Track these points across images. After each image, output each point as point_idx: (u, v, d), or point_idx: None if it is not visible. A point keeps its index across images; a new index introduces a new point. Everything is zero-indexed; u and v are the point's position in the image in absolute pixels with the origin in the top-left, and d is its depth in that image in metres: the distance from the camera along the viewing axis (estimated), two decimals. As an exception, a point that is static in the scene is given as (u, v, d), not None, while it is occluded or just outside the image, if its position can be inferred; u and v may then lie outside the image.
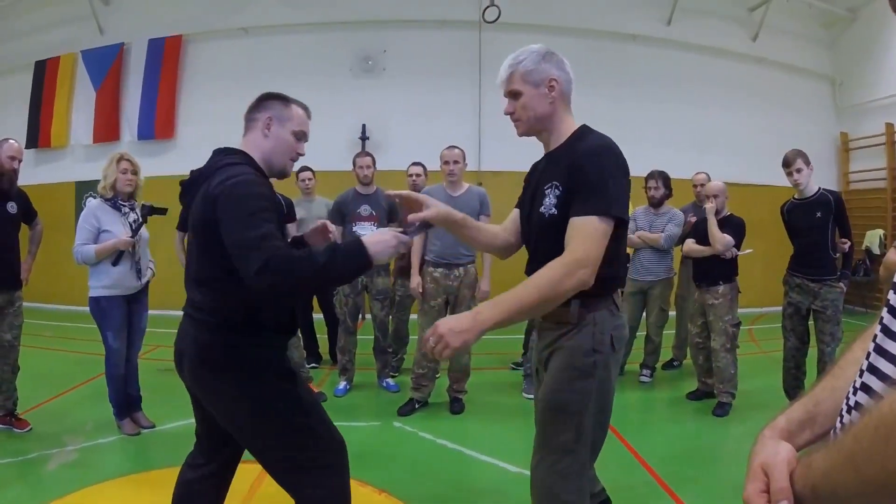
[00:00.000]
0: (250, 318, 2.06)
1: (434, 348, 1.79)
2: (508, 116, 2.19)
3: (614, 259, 2.06)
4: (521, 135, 2.21)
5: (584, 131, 2.14)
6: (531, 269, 2.06)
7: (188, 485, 2.29)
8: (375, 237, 2.00)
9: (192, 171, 2.18)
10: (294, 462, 2.10)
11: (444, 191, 4.70)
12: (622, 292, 5.28)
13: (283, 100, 2.25)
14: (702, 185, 5.91)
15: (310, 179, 6.02)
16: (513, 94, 2.14)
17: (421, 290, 4.72)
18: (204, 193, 2.03)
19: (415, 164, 5.69)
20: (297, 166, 6.14)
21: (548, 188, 2.08)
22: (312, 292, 1.99)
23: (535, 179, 2.22)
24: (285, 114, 2.22)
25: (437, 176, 4.99)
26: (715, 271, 4.88)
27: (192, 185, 2.14)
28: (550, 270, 1.86)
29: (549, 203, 2.06)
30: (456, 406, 4.84)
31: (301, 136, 2.25)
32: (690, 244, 5.07)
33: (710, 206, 4.87)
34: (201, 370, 2.07)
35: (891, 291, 0.82)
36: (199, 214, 2.02)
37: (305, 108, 2.29)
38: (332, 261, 1.89)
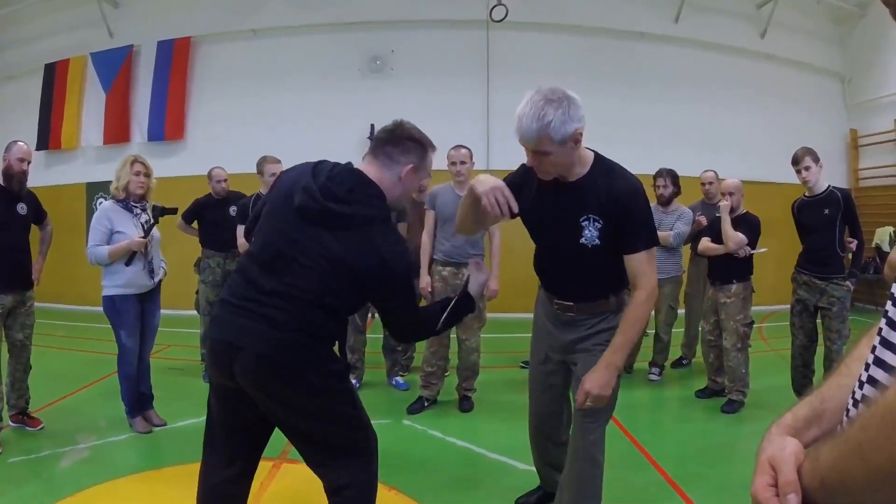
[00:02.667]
0: (335, 331, 2.20)
1: (591, 405, 2.39)
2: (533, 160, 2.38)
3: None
4: (546, 179, 2.39)
5: (605, 165, 2.42)
6: (568, 283, 2.59)
7: (218, 487, 2.26)
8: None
9: (325, 193, 2.09)
10: (344, 451, 2.21)
11: (452, 190, 4.71)
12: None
13: (423, 146, 2.24)
14: (710, 183, 5.89)
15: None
16: (542, 152, 2.25)
17: (430, 290, 4.73)
18: (355, 241, 2.07)
19: None
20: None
21: (584, 221, 2.37)
22: None
23: (556, 209, 2.45)
24: (423, 163, 2.25)
25: (443, 175, 4.98)
26: (729, 270, 4.82)
27: (328, 215, 2.09)
28: (641, 303, 2.39)
29: (591, 235, 2.37)
30: (465, 404, 4.85)
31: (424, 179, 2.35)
32: (706, 242, 5.01)
33: (724, 204, 4.81)
34: (268, 365, 2.05)
35: (895, 284, 0.82)
36: (341, 253, 2.05)
37: (435, 151, 2.31)
38: (445, 320, 2.42)
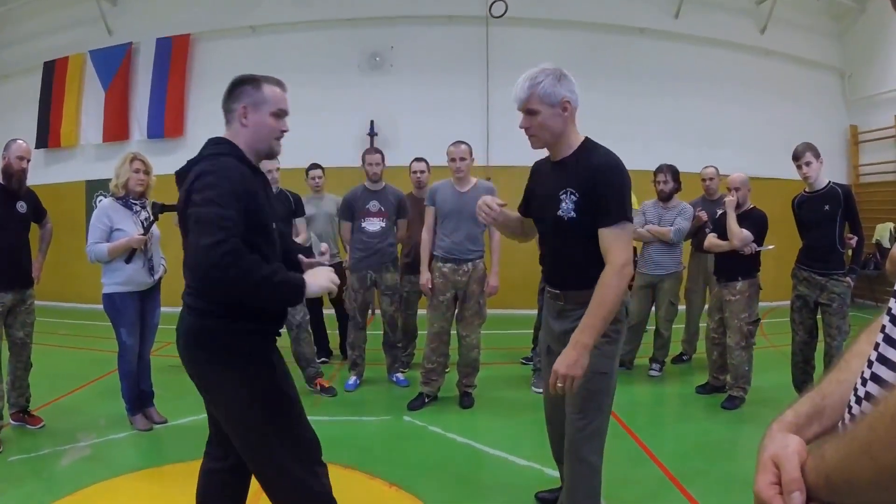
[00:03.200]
0: (234, 305, 2.05)
1: (562, 387, 2.28)
2: (523, 129, 2.46)
3: None
4: (535, 148, 2.50)
5: (590, 144, 2.46)
6: (555, 264, 2.61)
7: (212, 475, 2.31)
8: (316, 275, 2.10)
9: (187, 161, 2.18)
10: (272, 453, 2.12)
11: (451, 187, 4.70)
12: (631, 286, 5.28)
13: (254, 82, 2.20)
14: (710, 178, 5.89)
15: (319, 178, 6.03)
16: (530, 112, 2.40)
17: (430, 286, 4.74)
18: (188, 182, 2.05)
19: (417, 160, 5.62)
20: (306, 164, 6.19)
21: (563, 194, 2.41)
22: (238, 297, 1.98)
23: (545, 186, 2.55)
24: (258, 97, 2.18)
25: (443, 171, 4.97)
26: (734, 267, 4.75)
27: (184, 174, 2.14)
28: (608, 282, 2.29)
29: (567, 207, 2.40)
30: (466, 400, 4.85)
31: (281, 115, 2.23)
32: (712, 238, 4.93)
33: (730, 200, 4.73)
34: (193, 353, 2.12)
35: None
36: (184, 201, 2.04)
37: (279, 84, 2.26)
38: (273, 278, 1.94)
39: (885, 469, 0.61)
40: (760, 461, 0.85)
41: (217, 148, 2.15)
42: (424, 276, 4.77)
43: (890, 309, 0.81)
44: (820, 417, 0.93)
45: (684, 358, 6.20)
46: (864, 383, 0.83)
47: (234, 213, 1.93)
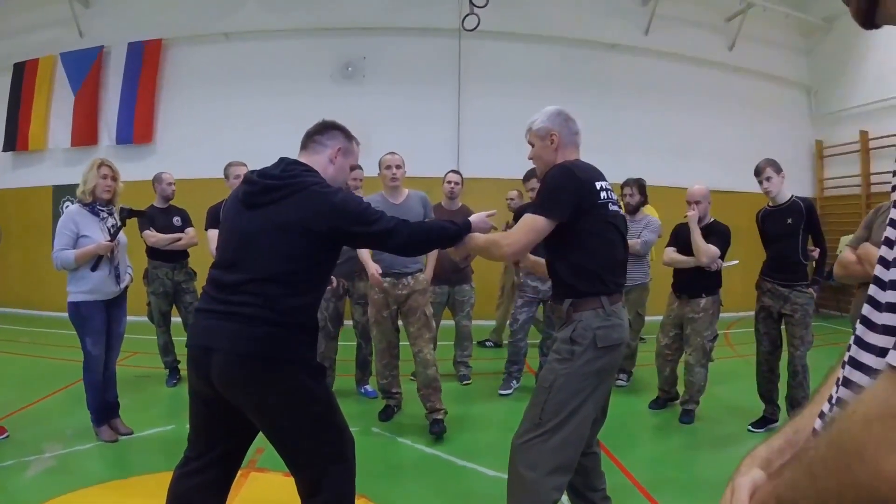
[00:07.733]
0: (305, 317, 2.22)
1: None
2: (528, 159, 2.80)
3: (592, 265, 2.52)
4: (540, 175, 2.71)
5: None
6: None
7: (180, 480, 2.28)
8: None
9: (262, 175, 2.31)
10: (323, 454, 2.23)
11: (385, 199, 4.49)
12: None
13: (346, 133, 2.53)
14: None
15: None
16: (531, 144, 2.75)
17: (373, 299, 4.57)
18: (301, 201, 2.21)
19: (453, 171, 5.99)
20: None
21: None
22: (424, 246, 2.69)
23: None
24: (349, 148, 2.51)
25: (376, 184, 4.82)
26: (698, 283, 4.66)
27: (272, 190, 2.25)
28: (498, 241, 2.58)
29: None
30: (436, 427, 4.38)
31: (353, 169, 2.48)
32: (671, 253, 4.81)
33: (692, 214, 4.57)
34: (248, 365, 2.10)
35: (865, 304, 0.84)
36: (295, 218, 2.18)
37: (359, 144, 2.62)
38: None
39: (824, 492, 0.62)
40: (724, 495, 0.87)
41: (314, 177, 2.32)
42: (372, 267, 4.46)
43: (855, 330, 0.83)
44: (793, 450, 0.92)
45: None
46: (830, 408, 0.85)
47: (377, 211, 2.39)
